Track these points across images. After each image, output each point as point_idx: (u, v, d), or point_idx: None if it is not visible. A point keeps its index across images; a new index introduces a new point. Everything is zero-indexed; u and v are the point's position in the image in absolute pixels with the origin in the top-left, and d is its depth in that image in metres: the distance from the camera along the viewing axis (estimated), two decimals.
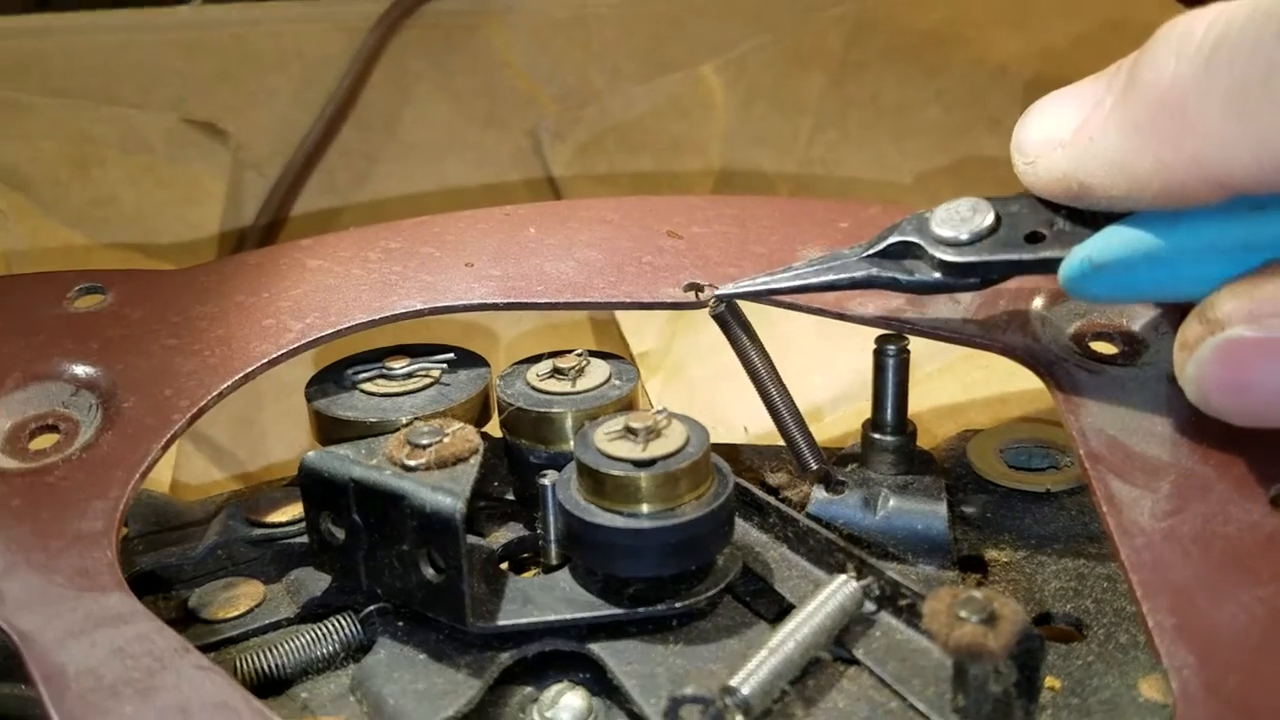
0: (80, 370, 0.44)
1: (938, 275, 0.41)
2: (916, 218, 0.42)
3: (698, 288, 0.47)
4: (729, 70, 0.71)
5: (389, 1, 0.72)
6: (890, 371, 0.46)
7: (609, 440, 0.41)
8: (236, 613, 0.44)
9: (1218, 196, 0.35)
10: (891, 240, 0.42)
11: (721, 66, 0.71)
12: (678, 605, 0.40)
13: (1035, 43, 0.70)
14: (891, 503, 0.45)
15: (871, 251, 0.43)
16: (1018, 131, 0.40)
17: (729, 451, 0.52)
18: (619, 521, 0.39)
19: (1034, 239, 0.40)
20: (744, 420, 0.66)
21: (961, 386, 0.64)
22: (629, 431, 0.41)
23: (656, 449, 0.40)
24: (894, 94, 0.71)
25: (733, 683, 0.35)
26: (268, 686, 0.41)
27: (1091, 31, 0.68)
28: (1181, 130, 0.34)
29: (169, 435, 0.41)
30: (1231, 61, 0.33)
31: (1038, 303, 0.46)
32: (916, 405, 0.49)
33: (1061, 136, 0.38)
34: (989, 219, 0.40)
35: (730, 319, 0.46)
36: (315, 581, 0.44)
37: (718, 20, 0.72)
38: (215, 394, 0.43)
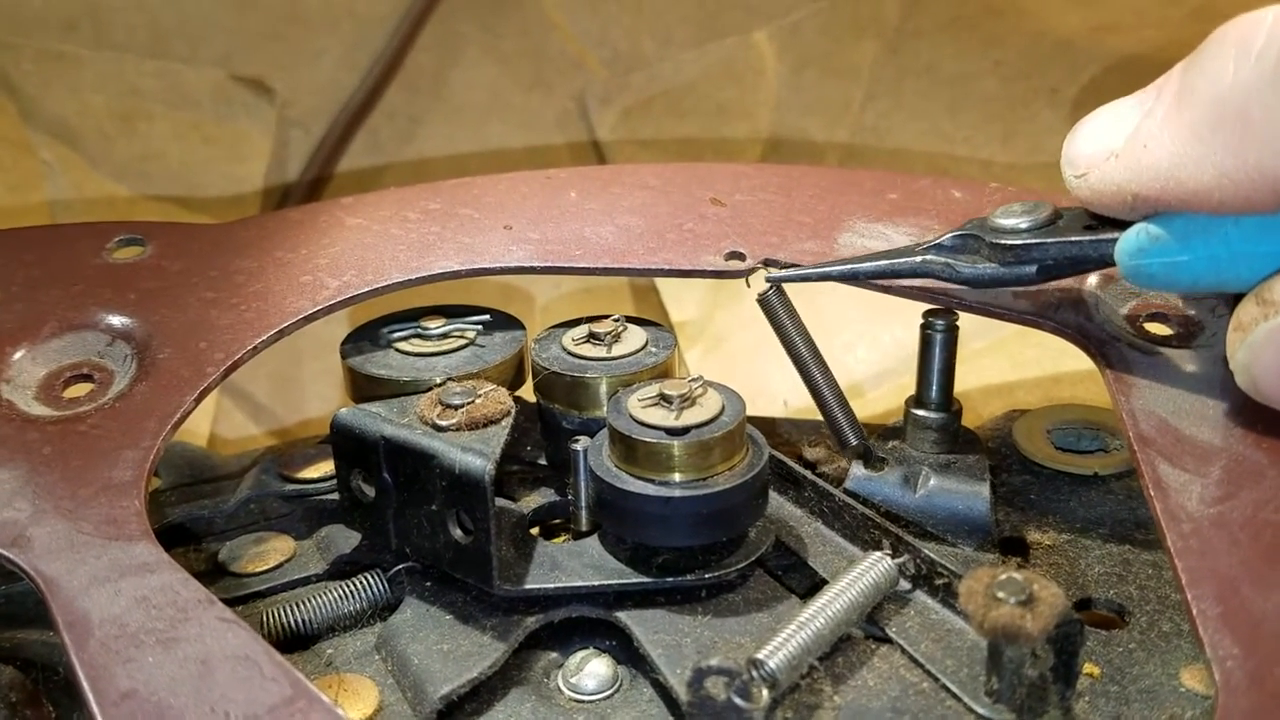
0: (117, 320, 0.44)
1: (994, 266, 0.41)
2: (977, 218, 0.42)
3: (740, 257, 0.46)
4: (782, 36, 0.69)
5: None
6: (937, 347, 0.45)
7: (643, 407, 0.40)
8: (266, 567, 0.44)
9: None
10: (950, 234, 0.42)
11: (774, 33, 0.69)
12: (707, 576, 0.39)
13: (1096, 16, 0.68)
14: (932, 481, 0.44)
15: (927, 244, 0.42)
16: (1067, 145, 0.39)
17: (766, 425, 0.51)
18: (650, 489, 0.39)
19: (1091, 229, 0.40)
20: (784, 393, 0.65)
21: (1012, 364, 0.62)
22: (663, 399, 0.40)
23: (690, 417, 0.39)
24: (950, 64, 0.69)
25: (759, 655, 0.34)
26: (294, 641, 0.41)
27: (1152, 6, 0.66)
28: (1244, 138, 0.33)
29: (202, 387, 0.41)
30: None
31: (1092, 280, 0.44)
32: (963, 383, 0.47)
33: (1114, 146, 0.37)
34: (1048, 213, 0.41)
35: (775, 302, 0.45)
36: (345, 539, 0.44)
37: None
38: (250, 348, 0.43)
